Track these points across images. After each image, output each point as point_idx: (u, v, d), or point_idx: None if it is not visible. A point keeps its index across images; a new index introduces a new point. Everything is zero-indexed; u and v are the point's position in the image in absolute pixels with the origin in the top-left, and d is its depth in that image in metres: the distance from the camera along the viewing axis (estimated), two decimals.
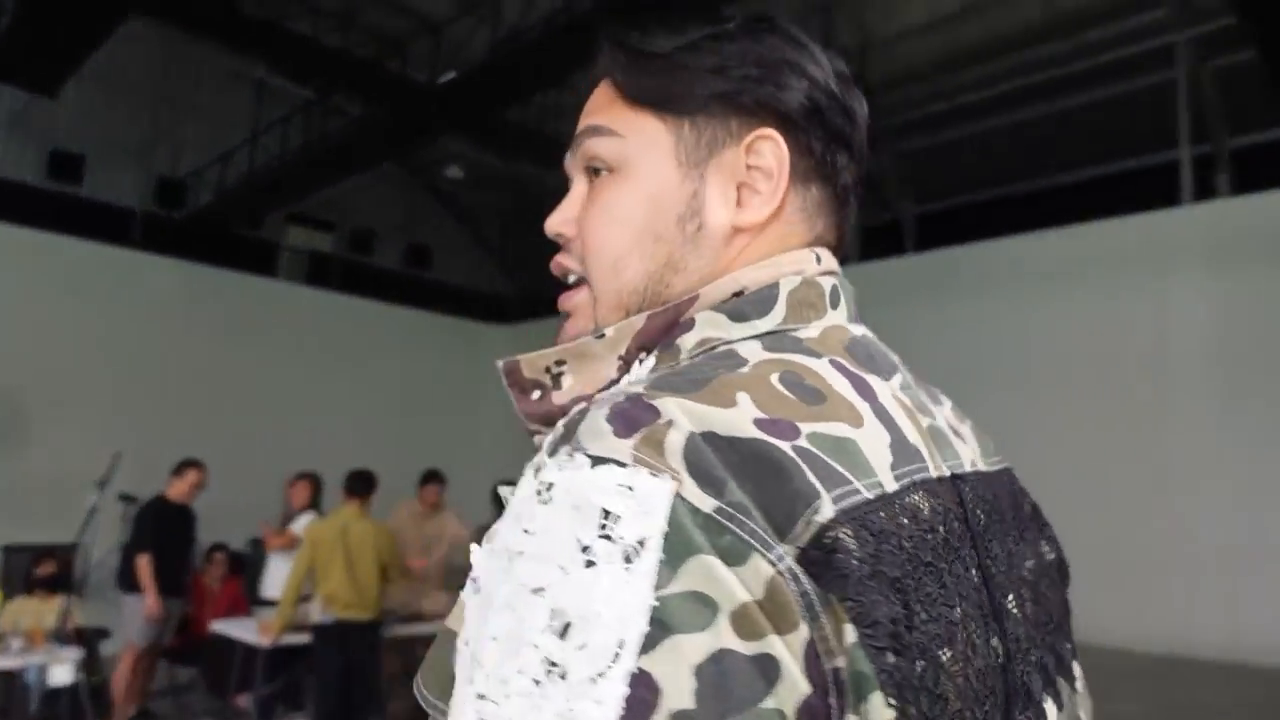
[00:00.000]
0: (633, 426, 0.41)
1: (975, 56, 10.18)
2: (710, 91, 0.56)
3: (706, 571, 0.38)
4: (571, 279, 0.61)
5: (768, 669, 0.37)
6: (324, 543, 4.18)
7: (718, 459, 0.40)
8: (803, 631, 0.38)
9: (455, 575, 5.60)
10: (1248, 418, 8.31)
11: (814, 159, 0.57)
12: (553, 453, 0.43)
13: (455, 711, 0.39)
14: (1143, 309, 9.08)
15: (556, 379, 0.55)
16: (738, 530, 0.39)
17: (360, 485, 4.38)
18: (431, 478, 5.18)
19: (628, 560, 0.37)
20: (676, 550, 0.38)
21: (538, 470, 0.42)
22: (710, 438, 0.41)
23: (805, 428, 0.43)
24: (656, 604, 0.37)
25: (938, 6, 10.09)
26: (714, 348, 0.52)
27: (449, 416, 14.32)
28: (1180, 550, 8.44)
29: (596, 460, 0.40)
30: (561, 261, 0.61)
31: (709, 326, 0.53)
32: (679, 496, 0.39)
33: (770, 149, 0.56)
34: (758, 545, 0.39)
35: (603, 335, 0.54)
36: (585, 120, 0.60)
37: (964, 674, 0.41)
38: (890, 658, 0.38)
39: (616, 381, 0.54)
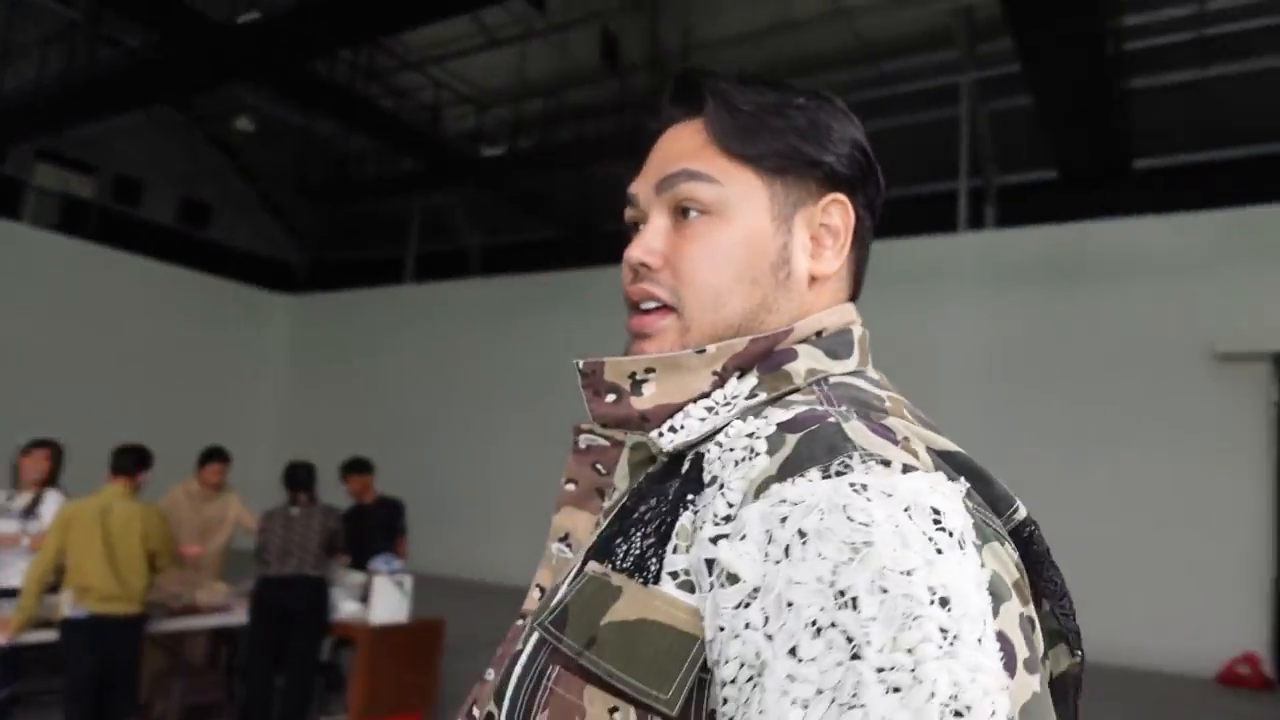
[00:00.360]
0: (891, 438, 0.50)
1: (789, 71, 10.65)
2: (802, 157, 0.64)
3: (998, 554, 0.47)
4: (650, 305, 0.65)
5: (1032, 627, 0.47)
6: (78, 525, 3.62)
7: (945, 464, 0.51)
8: (1028, 597, 0.49)
9: (238, 563, 5.10)
10: (1013, 431, 9.26)
11: (860, 224, 0.67)
12: (827, 461, 0.48)
13: (844, 687, 0.41)
14: (916, 326, 9.87)
15: (638, 385, 0.61)
16: (992, 522, 0.49)
17: (129, 462, 3.82)
18: (213, 455, 4.66)
19: (961, 547, 0.45)
20: (982, 537, 0.47)
21: (838, 475, 0.47)
22: (931, 451, 0.51)
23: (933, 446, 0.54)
24: (988, 581, 0.45)
25: (754, 17, 10.46)
26: (824, 379, 0.60)
27: (225, 390, 13.17)
28: None
29: (907, 467, 0.48)
30: (648, 289, 0.65)
31: (811, 360, 0.61)
32: (967, 493, 0.48)
33: (839, 211, 0.66)
34: (997, 534, 0.49)
35: (703, 351, 0.61)
36: (678, 163, 0.65)
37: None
38: (1073, 622, 0.54)
39: (708, 394, 0.60)
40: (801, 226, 0.65)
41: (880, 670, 0.40)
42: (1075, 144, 9.36)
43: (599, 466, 0.65)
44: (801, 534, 0.45)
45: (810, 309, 0.65)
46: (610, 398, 0.62)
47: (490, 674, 0.61)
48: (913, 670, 0.40)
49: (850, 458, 0.47)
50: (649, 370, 0.61)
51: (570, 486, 0.66)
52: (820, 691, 0.41)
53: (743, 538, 0.47)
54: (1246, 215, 8.80)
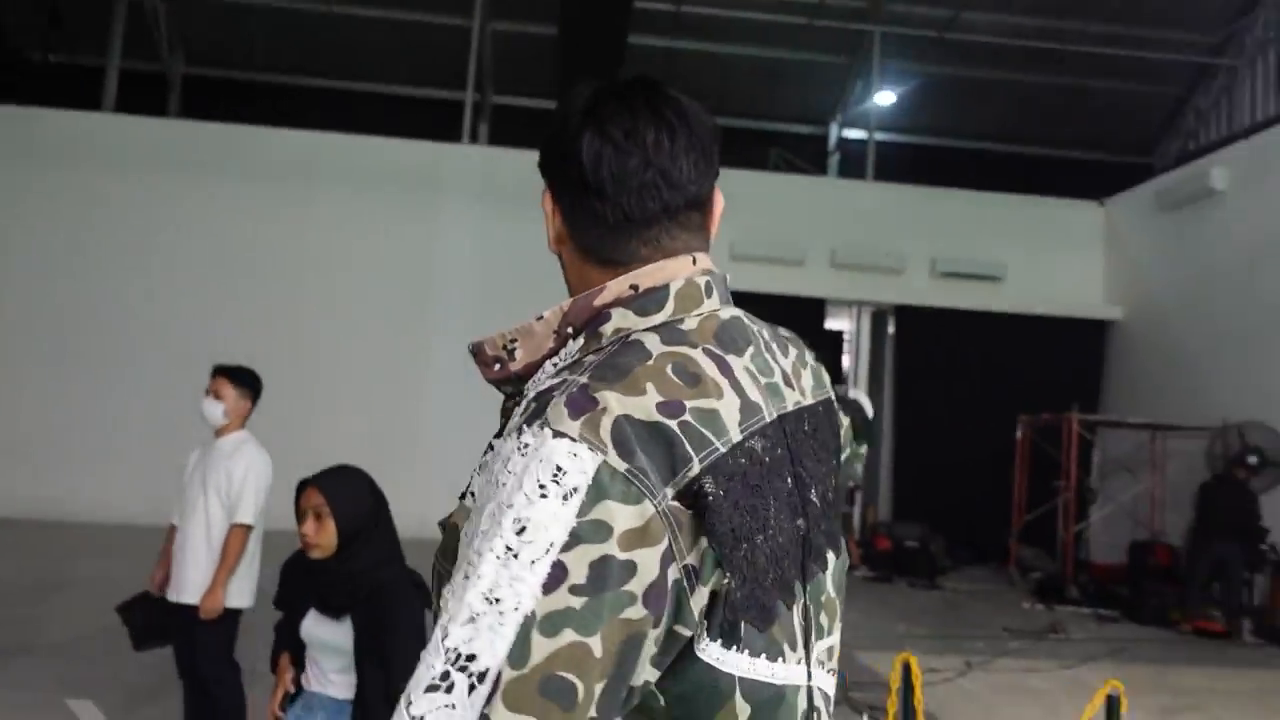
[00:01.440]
0: (580, 412, 0.64)
1: None
2: (543, 163, 0.85)
3: (609, 511, 0.61)
4: None
5: (631, 568, 0.61)
6: None
7: (631, 433, 0.64)
8: (663, 544, 0.62)
9: None
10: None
11: (574, 202, 0.81)
12: (529, 423, 0.66)
13: (457, 570, 0.64)
14: (416, 229, 9.91)
15: (511, 352, 0.78)
16: (638, 484, 0.62)
17: None
18: None
19: (565, 499, 0.61)
20: (594, 495, 0.61)
21: (519, 433, 0.66)
22: (628, 419, 0.64)
23: (689, 404, 0.67)
24: (575, 525, 0.60)
25: None
26: (626, 336, 0.73)
27: None
28: (424, 450, 9.53)
29: (557, 434, 0.63)
30: None
31: (621, 320, 0.75)
32: (604, 462, 0.62)
33: (546, 196, 0.84)
34: (648, 494, 0.62)
35: (542, 318, 0.77)
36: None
37: (769, 546, 0.68)
38: (726, 550, 0.64)
39: (555, 351, 0.76)
40: (547, 210, 0.83)
41: (469, 562, 0.62)
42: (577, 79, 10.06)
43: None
44: (491, 470, 0.68)
45: (585, 272, 0.80)
46: (496, 366, 0.79)
47: None
48: (477, 566, 0.61)
49: (532, 425, 0.65)
50: (513, 340, 0.78)
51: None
52: (460, 570, 0.63)
53: (481, 467, 0.72)
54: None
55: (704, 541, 0.64)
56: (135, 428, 9.21)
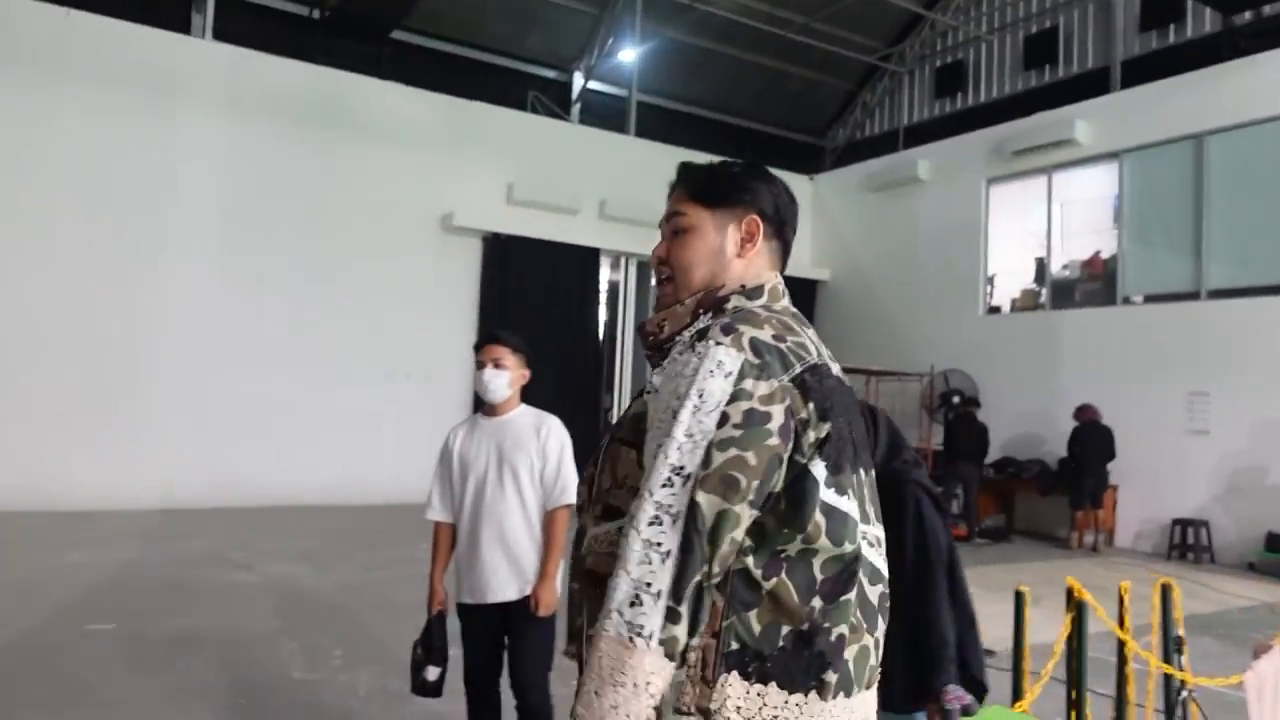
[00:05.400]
0: (727, 334, 1.07)
1: None
2: (723, 197, 1.24)
3: (750, 384, 1.03)
4: (662, 277, 1.25)
5: (767, 415, 1.02)
6: None
7: (760, 346, 1.06)
8: (785, 403, 1.03)
9: None
10: (242, 275, 8.54)
11: (771, 230, 1.26)
12: (700, 339, 1.08)
13: (661, 422, 1.05)
14: (149, 136, 8.20)
15: (661, 326, 1.20)
16: (766, 371, 1.04)
17: None
18: None
19: (725, 376, 1.03)
20: (741, 375, 1.03)
21: (693, 348, 1.07)
22: (756, 339, 1.07)
23: (789, 338, 1.10)
24: (733, 390, 1.02)
25: None
26: (739, 309, 1.17)
27: None
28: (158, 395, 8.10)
29: (717, 343, 1.05)
30: (661, 269, 1.25)
31: (737, 301, 1.19)
32: (745, 359, 1.05)
33: (749, 224, 1.24)
34: (774, 376, 1.05)
35: (684, 303, 1.20)
36: (670, 207, 1.26)
37: (853, 429, 1.11)
38: (827, 406, 1.07)
39: (691, 325, 1.17)
40: (732, 232, 1.22)
41: (672, 413, 1.03)
42: None
43: None
44: (673, 369, 1.10)
45: (740, 274, 1.22)
46: (651, 337, 1.21)
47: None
48: (679, 415, 1.02)
49: (700, 343, 1.08)
50: (664, 319, 1.20)
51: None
52: (664, 421, 1.04)
53: (658, 372, 1.14)
54: (475, 109, 10.06)
55: (811, 406, 1.04)
56: None
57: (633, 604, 0.95)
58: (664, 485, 0.99)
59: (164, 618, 4.57)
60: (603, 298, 11.17)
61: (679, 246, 1.23)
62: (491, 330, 2.67)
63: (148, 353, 8.10)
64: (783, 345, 1.07)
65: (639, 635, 0.93)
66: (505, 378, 2.48)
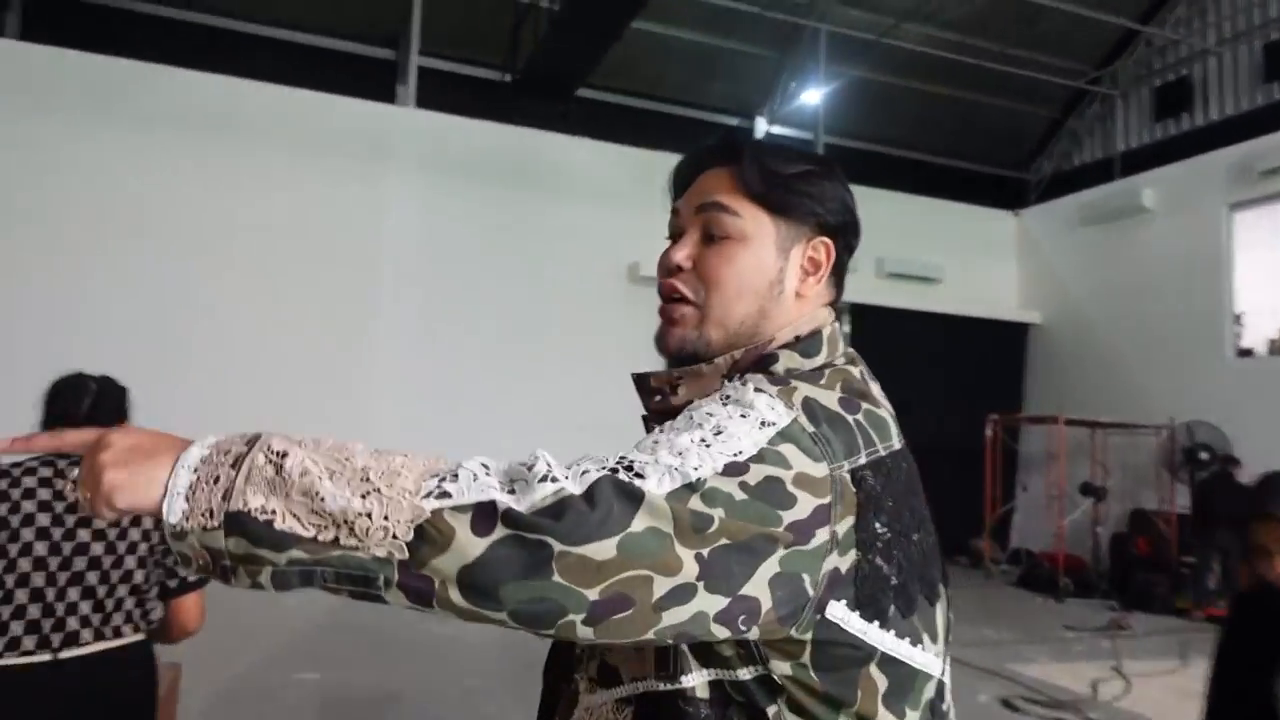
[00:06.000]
0: (775, 384, 0.78)
1: None
2: (803, 209, 0.90)
3: (793, 452, 0.72)
4: (675, 298, 0.91)
5: (791, 500, 0.70)
6: None
7: (819, 412, 0.76)
8: (825, 499, 0.71)
9: None
10: (448, 326, 8.81)
11: (839, 259, 0.93)
12: (734, 390, 0.79)
13: (641, 447, 0.73)
14: (358, 197, 8.68)
15: (675, 388, 0.89)
16: (821, 447, 0.74)
17: None
18: None
19: (760, 425, 0.73)
20: (784, 437, 0.72)
21: (720, 391, 0.80)
22: (815, 401, 0.77)
23: (863, 406, 0.80)
24: (764, 447, 0.71)
25: None
26: (795, 373, 0.84)
27: None
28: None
29: (758, 390, 0.77)
30: (676, 286, 0.91)
31: (789, 361, 0.86)
32: (796, 419, 0.74)
33: (824, 250, 0.91)
34: (827, 458, 0.73)
35: (712, 363, 0.88)
36: (714, 196, 0.90)
37: (924, 544, 0.79)
38: (872, 535, 0.75)
39: (719, 389, 0.83)
40: (796, 257, 0.90)
41: (665, 441, 0.71)
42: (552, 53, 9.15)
43: None
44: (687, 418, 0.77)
45: (793, 319, 0.89)
46: (657, 398, 0.90)
47: None
48: (673, 440, 0.71)
49: (741, 385, 0.79)
50: (679, 378, 0.88)
51: None
52: (650, 443, 0.72)
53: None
54: (660, 159, 10.05)
55: (850, 520, 0.73)
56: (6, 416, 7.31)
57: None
58: (585, 462, 0.69)
59: (365, 670, 4.56)
60: None
61: (719, 258, 0.88)
62: None
63: (362, 408, 8.46)
64: (851, 417, 0.78)
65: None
66: None
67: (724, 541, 0.66)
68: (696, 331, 0.88)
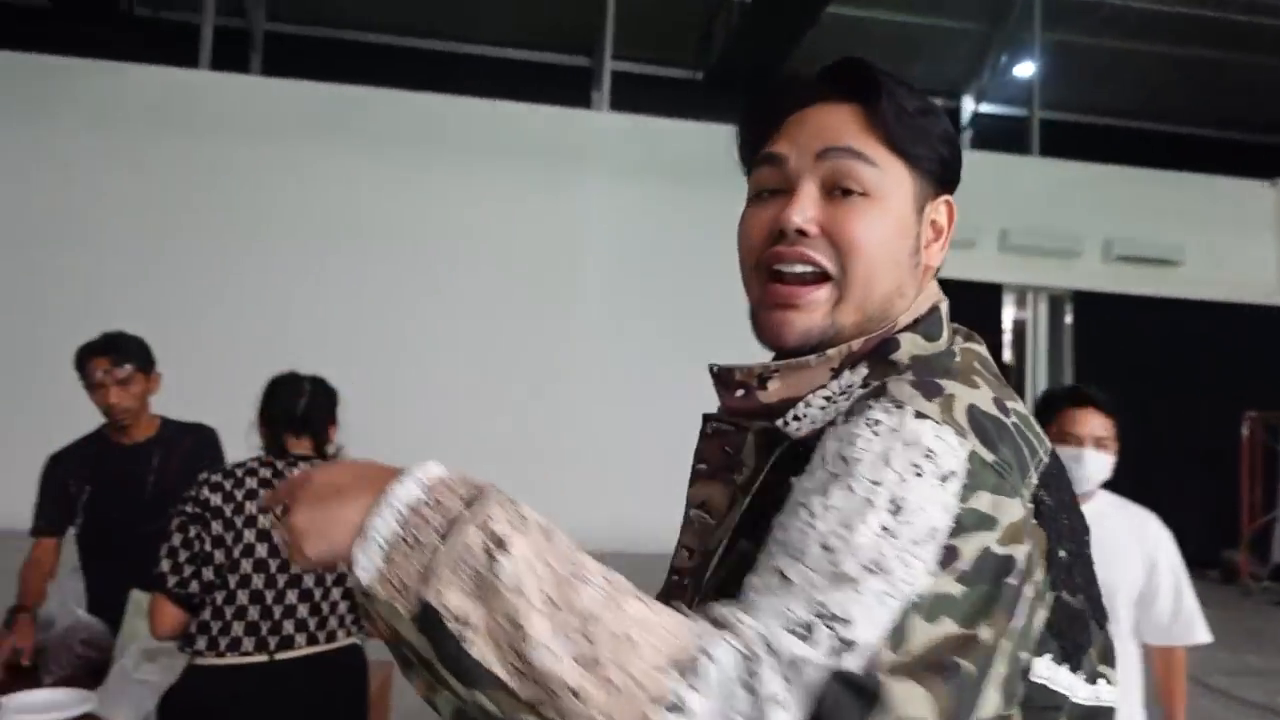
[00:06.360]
0: (931, 394, 0.61)
1: None
2: (938, 156, 0.75)
3: (987, 502, 0.57)
4: (805, 270, 0.72)
5: (1009, 564, 0.57)
6: None
7: (988, 425, 0.61)
8: (1029, 545, 0.58)
9: None
10: (641, 322, 8.90)
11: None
12: (874, 400, 0.62)
13: (784, 533, 0.58)
14: (556, 200, 8.93)
15: (764, 382, 0.72)
16: (1008, 479, 0.59)
17: None
18: None
19: (942, 480, 0.57)
20: (972, 484, 0.57)
21: (867, 411, 0.61)
22: (977, 408, 0.62)
23: (1011, 406, 0.65)
24: (959, 512, 0.56)
25: None
26: (922, 361, 0.70)
27: None
28: (571, 441, 8.61)
29: (919, 414, 0.59)
30: (808, 254, 0.71)
31: (912, 346, 0.71)
32: (973, 450, 0.58)
33: (947, 210, 0.78)
34: (1015, 492, 0.59)
35: (823, 354, 0.71)
36: (843, 140, 0.71)
37: (1088, 564, 0.67)
38: (1065, 565, 0.62)
39: (825, 385, 0.70)
40: (926, 221, 0.75)
41: (830, 532, 0.56)
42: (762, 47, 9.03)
43: (727, 449, 0.76)
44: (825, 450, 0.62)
45: (918, 298, 0.75)
46: (739, 393, 0.74)
47: None
48: (847, 537, 0.55)
49: (887, 403, 0.61)
50: (775, 371, 0.72)
51: (702, 466, 0.79)
52: (796, 534, 0.58)
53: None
54: None
55: (1042, 559, 0.61)
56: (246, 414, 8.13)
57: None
58: (792, 630, 0.52)
59: None
60: (1006, 339, 10.03)
61: (861, 220, 0.70)
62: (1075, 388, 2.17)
63: (561, 409, 8.71)
64: (1008, 421, 0.63)
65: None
66: (1107, 460, 2.02)
67: (960, 680, 0.52)
68: (829, 319, 0.71)
